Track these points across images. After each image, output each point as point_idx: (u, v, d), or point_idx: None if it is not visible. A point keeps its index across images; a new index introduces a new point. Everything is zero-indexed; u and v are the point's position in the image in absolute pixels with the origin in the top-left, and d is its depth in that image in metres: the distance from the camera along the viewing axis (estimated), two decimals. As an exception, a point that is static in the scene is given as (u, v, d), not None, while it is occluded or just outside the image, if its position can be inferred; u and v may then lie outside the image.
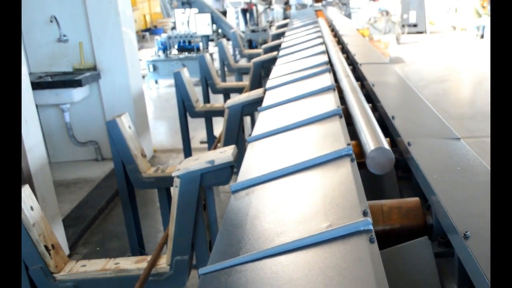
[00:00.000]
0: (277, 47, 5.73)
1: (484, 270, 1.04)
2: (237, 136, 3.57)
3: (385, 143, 1.73)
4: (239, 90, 5.72)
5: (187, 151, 5.40)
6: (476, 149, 1.75)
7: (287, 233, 1.35)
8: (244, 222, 1.50)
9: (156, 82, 11.23)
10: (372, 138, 1.77)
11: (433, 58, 13.22)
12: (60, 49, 5.76)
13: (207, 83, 6.12)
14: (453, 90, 9.89)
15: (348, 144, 1.81)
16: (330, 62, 3.47)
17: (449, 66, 11.90)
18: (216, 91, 6.12)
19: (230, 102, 3.56)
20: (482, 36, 16.19)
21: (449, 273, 1.37)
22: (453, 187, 1.42)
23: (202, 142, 6.82)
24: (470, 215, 1.24)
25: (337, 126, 2.09)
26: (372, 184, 1.90)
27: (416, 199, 1.53)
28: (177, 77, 5.00)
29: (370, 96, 2.74)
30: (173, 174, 2.30)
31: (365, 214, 1.29)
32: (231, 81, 7.90)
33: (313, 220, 1.37)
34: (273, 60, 4.90)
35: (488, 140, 6.06)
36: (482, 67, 11.31)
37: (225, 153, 2.28)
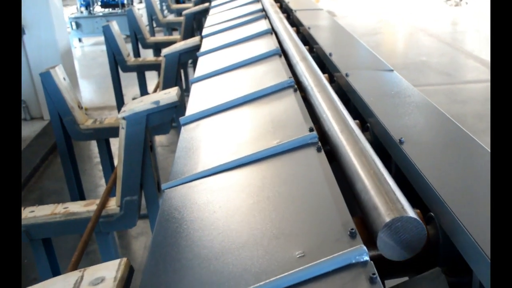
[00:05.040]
0: (208, -1, 5.72)
1: (421, 169, 1.20)
2: (175, 85, 3.61)
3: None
4: (171, 44, 5.69)
5: (121, 107, 5.34)
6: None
7: (241, 152, 1.47)
8: (198, 147, 1.61)
9: (80, 40, 10.82)
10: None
11: (365, 11, 13.50)
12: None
13: (136, 38, 6.03)
14: (385, 42, 10.17)
15: (290, 77, 1.94)
16: (265, 10, 3.56)
17: (381, 19, 12.17)
18: (147, 45, 6.04)
19: (166, 50, 3.58)
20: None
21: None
22: (388, 106, 1.59)
23: (134, 99, 6.74)
24: (404, 126, 1.42)
25: (278, 63, 2.21)
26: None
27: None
28: (107, 31, 4.90)
29: (306, 40, 2.87)
30: (118, 116, 2.35)
31: (311, 130, 1.43)
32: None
33: (264, 139, 1.50)
34: (205, 12, 4.92)
35: (420, 88, 6.39)
36: (413, 20, 11.73)
37: (169, 94, 2.35)
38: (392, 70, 1.95)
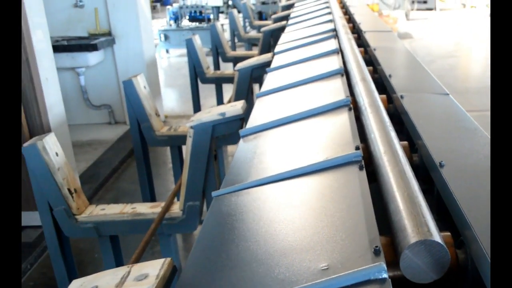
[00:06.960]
0: (286, 17, 5.86)
1: (454, 193, 1.22)
2: (246, 99, 3.75)
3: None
4: (248, 59, 5.87)
5: (198, 116, 5.58)
6: (478, 123, 1.72)
7: (289, 165, 1.55)
8: (252, 158, 1.70)
9: (167, 51, 11.38)
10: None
11: (442, 34, 13.23)
12: (76, 15, 5.93)
13: (217, 52, 6.28)
14: (460, 65, 9.95)
15: (347, 96, 1.99)
16: (336, 30, 3.63)
17: (457, 42, 11.92)
18: (226, 59, 6.27)
19: (240, 65, 3.73)
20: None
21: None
22: (436, 129, 1.61)
23: (211, 109, 7.00)
24: (447, 149, 1.44)
25: (339, 82, 2.27)
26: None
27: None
28: (189, 44, 5.16)
29: (372, 61, 2.91)
30: (187, 125, 2.50)
31: (357, 148, 1.49)
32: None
33: (313, 154, 1.57)
34: (282, 29, 5.04)
35: (489, 113, 6.19)
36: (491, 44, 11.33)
37: (235, 107, 2.47)
38: (447, 94, 1.96)
